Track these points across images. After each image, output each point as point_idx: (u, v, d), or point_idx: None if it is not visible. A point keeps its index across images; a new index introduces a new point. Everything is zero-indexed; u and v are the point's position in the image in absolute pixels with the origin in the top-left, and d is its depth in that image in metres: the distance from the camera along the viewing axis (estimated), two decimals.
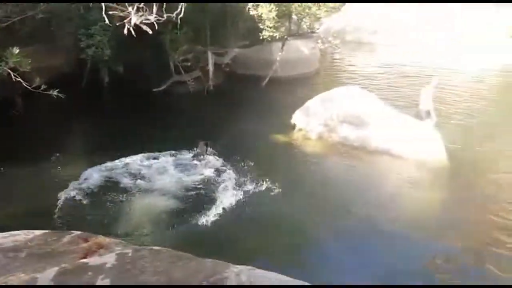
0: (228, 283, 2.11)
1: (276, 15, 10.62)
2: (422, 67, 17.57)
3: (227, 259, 2.56)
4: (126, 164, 8.08)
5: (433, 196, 7.47)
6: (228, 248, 5.61)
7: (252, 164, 8.14)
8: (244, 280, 2.11)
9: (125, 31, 7.07)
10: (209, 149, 8.74)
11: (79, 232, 3.51)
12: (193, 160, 8.46)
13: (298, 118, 10.06)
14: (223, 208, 6.73)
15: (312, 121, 9.76)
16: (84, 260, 2.93)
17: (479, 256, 5.81)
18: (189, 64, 12.42)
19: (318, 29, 16.12)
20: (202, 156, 8.55)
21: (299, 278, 2.32)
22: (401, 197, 7.37)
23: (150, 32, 7.20)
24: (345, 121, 9.33)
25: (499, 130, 10.23)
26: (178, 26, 9.70)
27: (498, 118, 11.26)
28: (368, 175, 8.25)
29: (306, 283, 2.26)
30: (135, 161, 8.22)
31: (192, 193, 7.25)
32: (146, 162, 8.25)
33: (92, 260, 2.92)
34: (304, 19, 13.38)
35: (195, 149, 8.75)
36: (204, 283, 2.16)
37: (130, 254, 3.02)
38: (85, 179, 7.50)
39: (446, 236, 6.23)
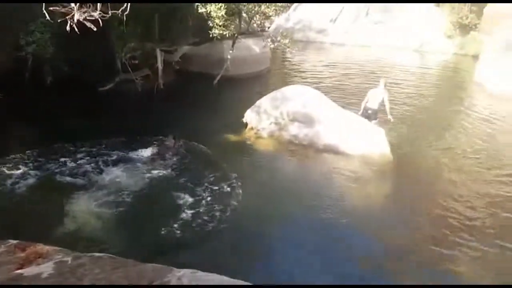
0: None
1: (225, 13, 10.58)
2: (368, 66, 18.34)
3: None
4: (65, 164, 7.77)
5: (375, 191, 7.78)
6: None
7: (204, 164, 8.08)
8: (186, 283, 2.09)
9: (68, 28, 6.82)
10: (178, 142, 8.73)
11: (16, 241, 3.31)
12: (153, 156, 8.28)
13: (249, 116, 10.11)
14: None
15: (263, 120, 9.83)
16: (19, 271, 2.77)
17: (420, 251, 6.07)
18: (137, 62, 12.09)
19: (268, 27, 16.30)
20: (169, 151, 8.43)
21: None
22: (345, 192, 7.59)
23: (95, 29, 6.93)
24: (295, 119, 9.48)
25: (443, 126, 10.94)
26: (124, 23, 9.38)
27: (442, 114, 12.00)
28: (315, 171, 8.43)
29: (249, 284, 2.26)
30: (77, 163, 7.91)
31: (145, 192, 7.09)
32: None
33: (28, 271, 2.77)
34: (254, 18, 13.47)
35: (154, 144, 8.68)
36: None
37: (69, 262, 2.89)
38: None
39: (387, 230, 6.51)
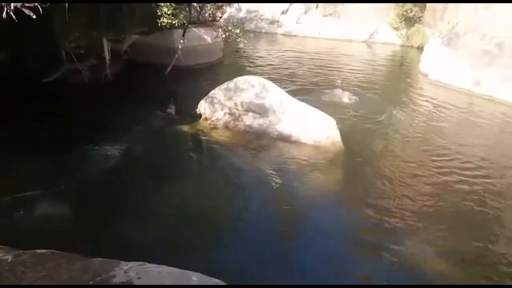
0: (116, 281, 1.99)
1: (174, 2, 10.32)
2: (319, 56, 18.69)
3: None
4: None
5: (327, 177, 7.96)
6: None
7: (159, 157, 7.91)
8: (133, 276, 2.01)
9: (4, 15, 6.35)
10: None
11: None
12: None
13: (203, 107, 9.99)
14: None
15: (218, 110, 9.75)
16: None
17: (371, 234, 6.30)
18: (83, 51, 11.53)
19: (220, 17, 16.08)
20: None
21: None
22: (298, 179, 7.73)
23: (34, 16, 6.55)
24: (249, 109, 9.47)
25: (390, 113, 11.40)
26: (67, 10, 8.90)
27: (389, 102, 12.47)
28: (270, 160, 8.48)
29: (198, 273, 2.22)
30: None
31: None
32: None
33: None
34: (205, 7, 13.25)
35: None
36: (91, 283, 2.00)
37: (9, 260, 2.72)
38: None
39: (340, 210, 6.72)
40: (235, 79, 10.13)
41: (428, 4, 21.01)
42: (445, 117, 11.69)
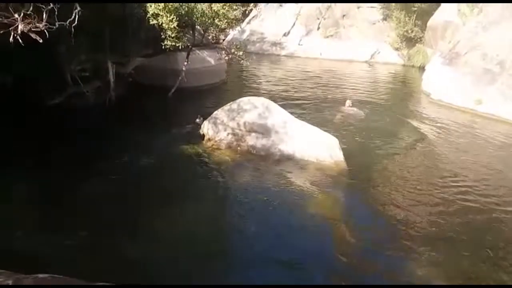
0: None
1: (178, 25, 10.48)
2: (321, 77, 18.86)
3: None
4: None
5: (328, 198, 7.91)
6: None
7: (159, 179, 7.93)
8: None
9: (11, 39, 6.47)
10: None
11: None
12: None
13: (206, 128, 10.05)
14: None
15: (221, 131, 9.80)
16: None
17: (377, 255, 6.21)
18: (87, 74, 11.68)
19: (223, 40, 16.36)
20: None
21: None
22: (300, 199, 7.70)
23: (40, 40, 6.68)
24: (252, 130, 9.51)
25: (393, 133, 11.41)
26: (72, 34, 9.06)
27: (392, 121, 12.50)
28: (272, 180, 8.43)
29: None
30: None
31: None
32: None
33: None
34: (208, 30, 13.47)
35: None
36: None
37: (10, 284, 2.70)
38: None
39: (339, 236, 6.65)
40: (238, 100, 10.22)
41: (428, 24, 21.25)
42: (449, 137, 11.65)
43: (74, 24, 7.55)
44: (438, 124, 12.57)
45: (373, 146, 10.36)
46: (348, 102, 13.53)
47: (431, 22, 21.06)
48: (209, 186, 8.04)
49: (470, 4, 19.26)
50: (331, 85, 17.36)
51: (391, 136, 11.14)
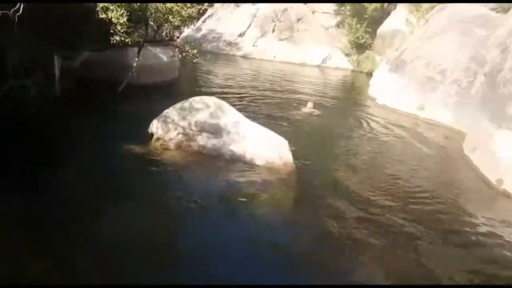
0: None
1: (128, 20, 10.22)
2: (274, 78, 19.12)
3: None
4: None
5: (275, 198, 8.05)
6: None
7: (102, 179, 7.68)
8: None
9: None
10: None
11: None
12: None
13: (155, 127, 9.82)
14: None
15: (171, 130, 9.64)
16: None
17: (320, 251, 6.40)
18: (30, 66, 11.08)
19: (178, 37, 16.14)
20: None
21: None
22: (248, 200, 7.76)
23: None
24: (203, 130, 9.46)
25: (341, 135, 11.82)
26: (16, 24, 8.59)
27: (340, 124, 12.93)
28: (222, 181, 8.46)
29: None
30: None
31: None
32: None
33: None
34: (162, 27, 13.25)
35: None
36: None
37: None
38: None
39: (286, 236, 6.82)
40: (190, 99, 10.12)
41: (378, 32, 22.14)
42: (391, 139, 12.28)
43: (18, 14, 7.20)
44: (383, 128, 13.18)
45: (322, 148, 10.74)
46: (309, 104, 13.99)
47: (381, 30, 21.98)
48: (152, 187, 7.84)
49: (417, 15, 20.35)
50: (285, 88, 17.65)
51: (338, 138, 11.66)
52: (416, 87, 15.22)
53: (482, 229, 7.58)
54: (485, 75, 13.05)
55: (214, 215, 7.21)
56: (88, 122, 10.03)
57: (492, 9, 15.51)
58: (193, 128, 9.51)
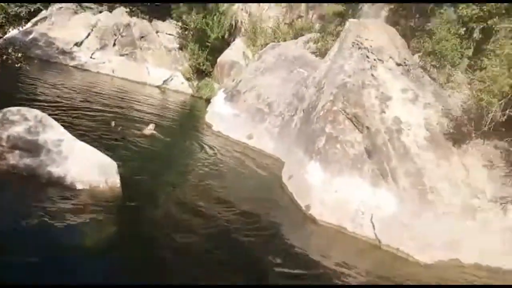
0: None
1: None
2: (109, 95, 18.31)
3: None
4: None
5: (92, 225, 7.68)
6: None
7: None
8: None
9: None
10: None
11: None
12: None
13: None
14: None
15: None
16: None
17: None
18: None
19: (1, 37, 14.17)
20: None
21: None
22: (63, 227, 7.33)
23: None
24: (16, 147, 8.45)
25: (173, 158, 11.94)
26: None
27: (174, 148, 13.07)
28: (30, 206, 7.68)
29: None
30: None
31: None
32: None
33: None
34: None
35: None
36: None
37: None
38: None
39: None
40: (5, 109, 9.00)
41: (218, 61, 23.23)
42: (220, 164, 13.03)
43: None
44: (214, 154, 13.84)
45: (155, 171, 10.65)
46: (151, 126, 13.96)
47: (220, 59, 23.18)
48: None
49: (253, 49, 22.16)
50: (122, 105, 17.02)
51: (171, 161, 11.84)
52: (247, 117, 16.41)
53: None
54: (303, 110, 14.85)
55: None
56: None
57: (312, 52, 17.92)
58: (4, 144, 8.43)
